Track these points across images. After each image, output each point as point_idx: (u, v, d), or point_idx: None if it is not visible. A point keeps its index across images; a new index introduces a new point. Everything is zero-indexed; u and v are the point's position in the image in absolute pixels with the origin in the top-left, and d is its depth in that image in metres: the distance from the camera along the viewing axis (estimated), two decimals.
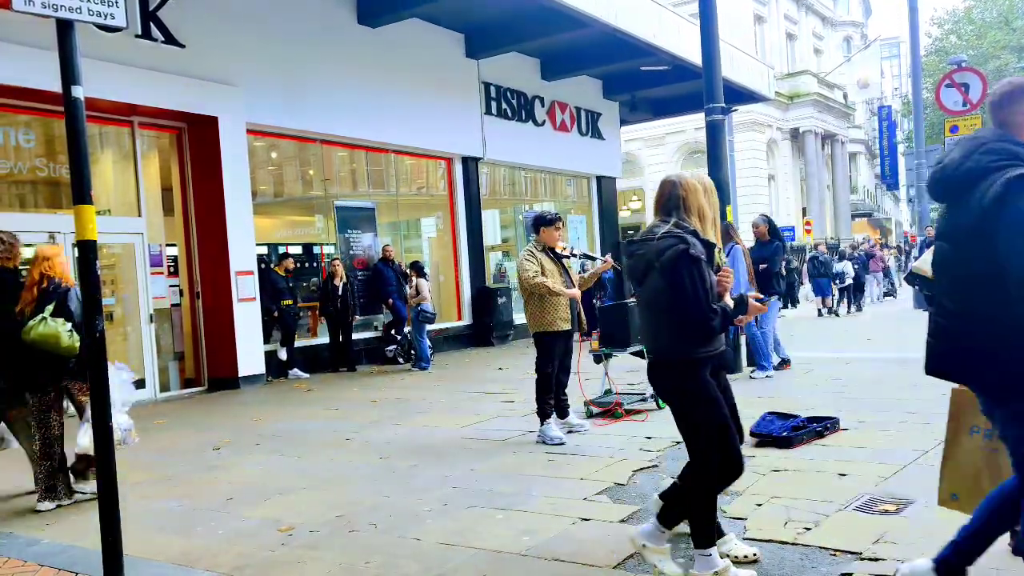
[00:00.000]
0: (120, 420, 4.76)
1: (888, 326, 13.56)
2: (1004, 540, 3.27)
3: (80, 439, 4.72)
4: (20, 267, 5.08)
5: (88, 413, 4.34)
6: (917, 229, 18.38)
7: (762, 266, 8.41)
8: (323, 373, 10.89)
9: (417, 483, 4.78)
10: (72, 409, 4.96)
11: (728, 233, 8.44)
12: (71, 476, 4.87)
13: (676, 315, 2.92)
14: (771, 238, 8.63)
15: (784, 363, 8.67)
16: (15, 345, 4.58)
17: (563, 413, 6.01)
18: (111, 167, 9.74)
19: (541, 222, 5.85)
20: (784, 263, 8.74)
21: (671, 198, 3.06)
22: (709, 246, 2.98)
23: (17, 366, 4.68)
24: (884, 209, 53.05)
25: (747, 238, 9.52)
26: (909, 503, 3.82)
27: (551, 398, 5.77)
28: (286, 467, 5.48)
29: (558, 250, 5.89)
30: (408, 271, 11.39)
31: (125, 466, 4.81)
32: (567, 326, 5.72)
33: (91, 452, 4.28)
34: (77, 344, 4.61)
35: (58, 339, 4.56)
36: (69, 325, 4.63)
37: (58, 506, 4.71)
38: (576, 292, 5.76)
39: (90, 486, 4.76)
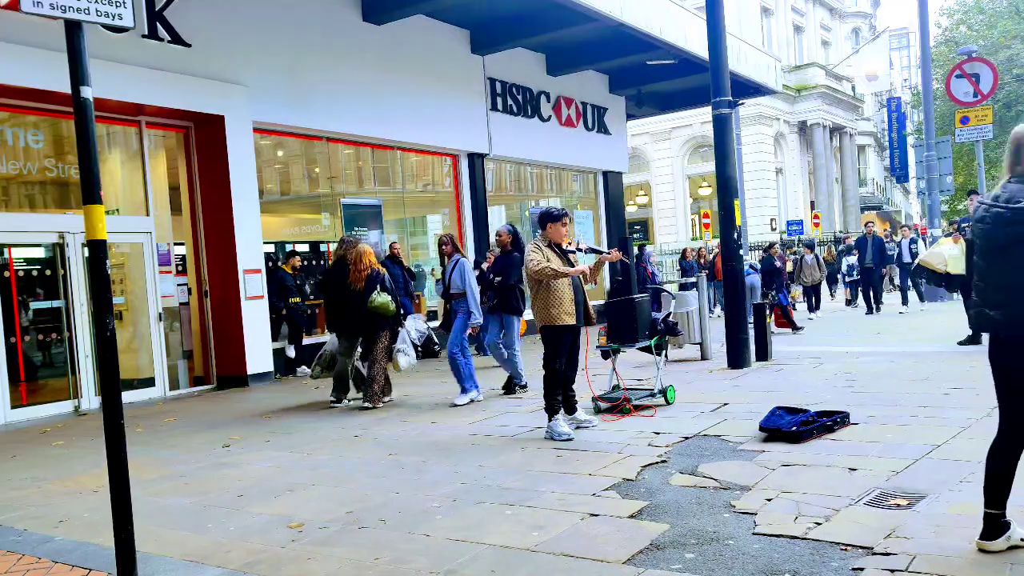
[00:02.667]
0: (410, 354, 7.64)
1: (897, 320, 13.49)
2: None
3: (397, 357, 7.57)
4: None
5: (396, 345, 7.61)
6: (927, 222, 18.20)
7: (496, 279, 7.84)
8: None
9: (426, 479, 4.80)
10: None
11: (454, 245, 7.84)
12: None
13: None
14: (512, 250, 7.82)
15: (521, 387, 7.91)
16: (359, 309, 7.46)
17: (571, 409, 6.01)
18: (119, 167, 9.79)
19: (548, 218, 5.86)
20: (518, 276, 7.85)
21: None
22: None
23: (361, 322, 7.54)
24: (894, 202, 52.76)
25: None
26: (920, 497, 3.80)
27: (559, 394, 5.76)
28: (295, 464, 5.50)
29: (564, 245, 5.89)
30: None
31: (137, 464, 4.85)
32: (572, 320, 5.71)
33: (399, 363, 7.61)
34: (395, 308, 7.48)
35: (388, 306, 7.41)
36: (389, 297, 7.43)
37: (375, 407, 7.49)
38: (584, 268, 5.73)
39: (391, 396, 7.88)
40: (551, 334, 5.71)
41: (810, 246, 16.57)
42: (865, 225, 16.23)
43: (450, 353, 7.45)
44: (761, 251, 17.28)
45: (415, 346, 7.83)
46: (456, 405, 7.31)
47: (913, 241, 15.62)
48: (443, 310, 7.74)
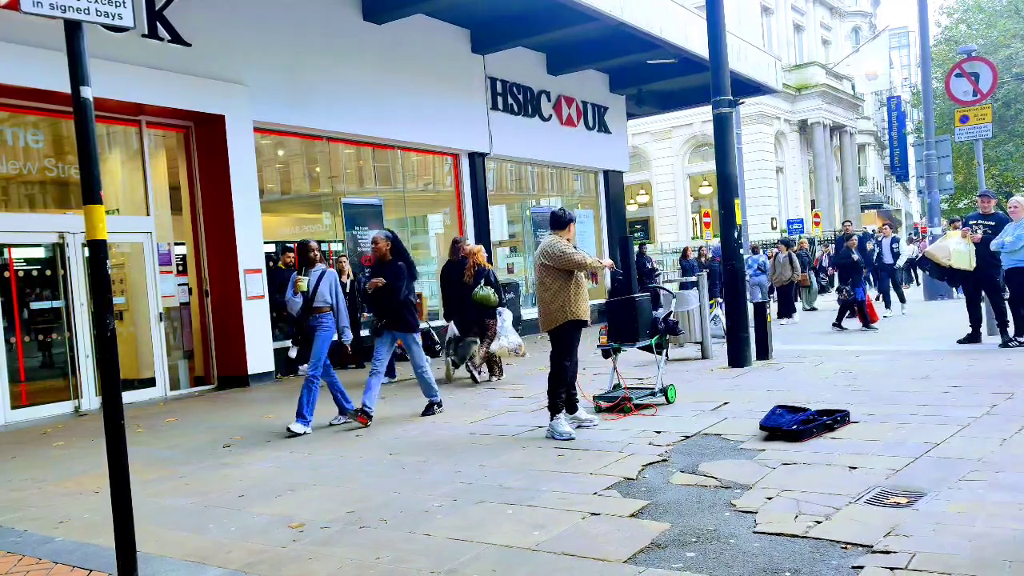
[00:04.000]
0: (512, 339, 8.76)
1: (898, 319, 13.47)
2: (1005, 528, 3.25)
3: (492, 345, 8.65)
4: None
5: (497, 330, 8.69)
6: (927, 220, 18.08)
7: (371, 292, 6.83)
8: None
9: (427, 479, 4.80)
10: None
11: (322, 253, 7.01)
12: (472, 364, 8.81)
13: None
14: (393, 258, 6.83)
15: (364, 415, 6.65)
16: (467, 300, 8.57)
17: (572, 408, 6.01)
18: (119, 166, 9.79)
19: (570, 219, 5.97)
20: (407, 287, 6.84)
21: None
22: None
23: (468, 311, 8.66)
24: (894, 200, 52.75)
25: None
26: (920, 496, 3.81)
27: (564, 391, 5.79)
28: (296, 464, 5.51)
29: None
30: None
31: (138, 464, 4.87)
32: (588, 315, 5.86)
33: (495, 352, 8.69)
34: (497, 300, 8.55)
35: (489, 298, 8.49)
36: (492, 290, 8.51)
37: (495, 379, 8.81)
38: (610, 262, 6.05)
39: (484, 374, 8.90)
40: (572, 329, 5.76)
41: (786, 243, 15.20)
42: (843, 224, 15.58)
43: (310, 376, 6.55)
44: (760, 247, 16.72)
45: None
46: (291, 431, 6.46)
47: (895, 240, 14.66)
48: (297, 326, 6.85)
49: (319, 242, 12.16)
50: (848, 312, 12.17)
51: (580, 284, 5.80)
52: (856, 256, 12.32)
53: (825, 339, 11.18)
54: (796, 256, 14.97)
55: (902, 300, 14.50)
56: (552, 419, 5.72)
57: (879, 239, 14.97)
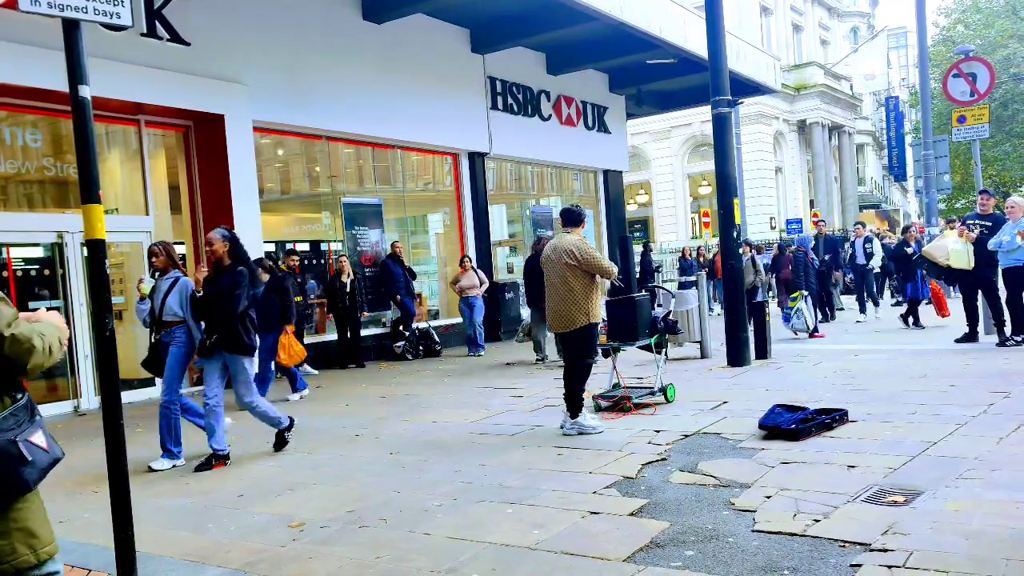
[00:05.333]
0: None
1: (897, 319, 13.45)
2: (1002, 526, 3.26)
3: None
4: None
5: None
6: (925, 220, 18.07)
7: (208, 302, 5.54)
8: (331, 370, 10.92)
9: (426, 478, 4.80)
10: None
11: (171, 257, 5.96)
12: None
13: None
14: (232, 262, 5.67)
15: (219, 459, 5.61)
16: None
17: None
18: (118, 166, 9.79)
19: (583, 217, 6.07)
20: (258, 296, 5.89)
21: None
22: None
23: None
24: (892, 200, 52.79)
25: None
26: (918, 494, 3.82)
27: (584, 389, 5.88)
28: (296, 463, 5.51)
29: None
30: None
31: (137, 464, 4.88)
32: None
33: None
34: None
35: None
36: None
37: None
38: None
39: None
40: (593, 330, 5.84)
41: (750, 244, 14.00)
42: (816, 224, 15.00)
43: (165, 402, 5.67)
44: (763, 246, 16.15)
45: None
46: (153, 469, 5.59)
47: (868, 240, 13.67)
48: (149, 343, 5.87)
49: (323, 241, 12.27)
50: (905, 304, 11.65)
51: (598, 287, 5.88)
52: (910, 249, 11.77)
53: (824, 339, 11.18)
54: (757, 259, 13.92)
55: (876, 304, 13.63)
56: (576, 417, 5.74)
57: (852, 240, 14.15)
